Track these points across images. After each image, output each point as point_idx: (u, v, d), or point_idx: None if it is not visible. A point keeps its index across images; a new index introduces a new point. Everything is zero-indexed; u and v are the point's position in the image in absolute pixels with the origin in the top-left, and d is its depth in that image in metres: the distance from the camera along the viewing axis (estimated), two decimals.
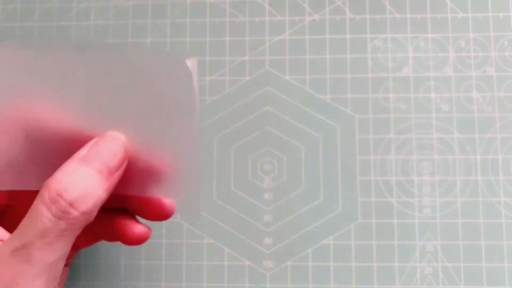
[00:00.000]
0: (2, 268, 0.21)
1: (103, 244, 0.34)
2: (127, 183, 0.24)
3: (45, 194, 0.22)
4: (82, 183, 0.22)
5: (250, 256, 0.34)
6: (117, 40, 0.36)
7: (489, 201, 0.33)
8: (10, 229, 0.23)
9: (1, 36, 0.37)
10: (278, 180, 0.34)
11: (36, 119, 0.24)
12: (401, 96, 0.35)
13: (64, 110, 0.24)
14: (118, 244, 0.33)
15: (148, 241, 0.32)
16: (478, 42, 0.35)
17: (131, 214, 0.27)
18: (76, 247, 0.27)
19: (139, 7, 0.37)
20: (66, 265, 0.26)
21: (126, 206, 0.27)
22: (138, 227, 0.26)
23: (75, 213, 0.22)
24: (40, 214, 0.21)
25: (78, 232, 0.22)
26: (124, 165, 0.24)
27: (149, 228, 0.27)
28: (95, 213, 0.23)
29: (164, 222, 0.34)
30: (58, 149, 0.24)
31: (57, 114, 0.24)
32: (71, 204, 0.21)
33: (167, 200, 0.26)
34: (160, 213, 0.26)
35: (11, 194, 0.27)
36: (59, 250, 0.22)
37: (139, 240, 0.26)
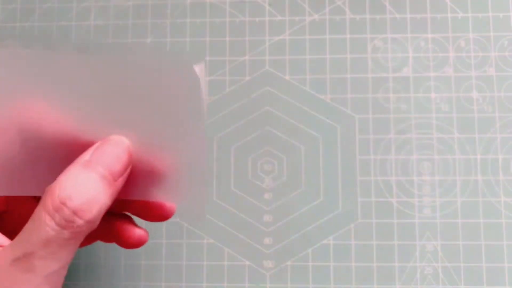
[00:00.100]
0: (2, 278, 0.21)
1: (103, 244, 0.34)
2: (130, 187, 0.24)
3: (48, 201, 0.21)
4: (86, 190, 0.21)
5: (250, 256, 0.34)
6: (117, 40, 0.36)
7: (489, 201, 0.33)
8: (7, 234, 0.23)
9: (1, 36, 0.37)
10: (278, 180, 0.34)
11: (33, 122, 0.23)
12: (401, 96, 0.35)
13: (63, 113, 0.23)
14: None
15: (148, 241, 0.32)
16: (478, 42, 0.35)
17: (128, 216, 0.27)
18: None
19: (139, 7, 0.37)
20: None
21: (125, 207, 0.27)
22: (136, 231, 0.26)
23: (79, 221, 0.21)
24: (43, 223, 0.20)
25: (81, 240, 0.22)
26: (128, 170, 0.23)
27: (147, 232, 0.26)
28: (99, 220, 0.22)
29: (164, 222, 0.34)
30: (58, 153, 0.23)
31: (55, 117, 0.23)
32: (75, 213, 0.21)
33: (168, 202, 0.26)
34: (160, 214, 0.26)
35: (8, 199, 0.26)
36: (62, 259, 0.21)
37: (136, 244, 0.26)
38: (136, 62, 0.23)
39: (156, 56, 0.24)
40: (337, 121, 0.35)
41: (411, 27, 0.36)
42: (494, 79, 0.35)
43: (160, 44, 0.36)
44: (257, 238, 0.34)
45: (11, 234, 0.22)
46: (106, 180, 0.22)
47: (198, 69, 0.23)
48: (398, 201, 0.34)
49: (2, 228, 0.25)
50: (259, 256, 0.34)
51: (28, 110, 0.23)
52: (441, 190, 0.34)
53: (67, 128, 0.23)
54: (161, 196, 0.24)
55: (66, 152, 0.23)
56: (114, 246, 0.34)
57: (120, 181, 0.23)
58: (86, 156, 0.22)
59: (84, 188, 0.21)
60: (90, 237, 0.27)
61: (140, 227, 0.26)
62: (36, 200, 0.26)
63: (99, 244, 0.34)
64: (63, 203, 0.21)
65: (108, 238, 0.27)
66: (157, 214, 0.26)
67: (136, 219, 0.27)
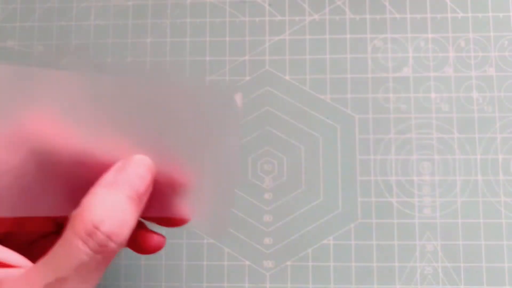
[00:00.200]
0: None
1: None
2: (151, 204, 0.23)
3: (79, 226, 0.20)
4: (117, 212, 0.21)
5: (250, 256, 0.34)
6: (117, 40, 0.36)
7: (489, 201, 0.33)
8: (19, 250, 0.23)
9: (1, 36, 0.37)
10: (278, 180, 0.34)
11: (48, 140, 0.22)
12: (401, 96, 0.35)
13: (81, 132, 0.22)
14: None
15: None
16: (478, 42, 0.35)
17: (141, 221, 0.26)
18: None
19: (139, 7, 0.37)
20: None
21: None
22: (154, 236, 0.26)
23: (113, 245, 0.20)
24: (76, 248, 0.20)
25: (111, 260, 0.21)
26: (150, 188, 0.23)
27: (164, 237, 0.26)
28: (127, 241, 0.22)
29: None
30: (75, 172, 0.22)
31: (72, 136, 0.22)
32: (109, 237, 0.20)
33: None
34: (176, 222, 0.26)
35: (17, 218, 0.25)
36: (93, 280, 0.21)
37: (154, 250, 0.26)
38: (163, 83, 0.23)
39: (184, 78, 0.24)
40: (337, 121, 0.35)
41: (411, 27, 0.36)
42: (494, 79, 0.35)
43: (160, 44, 0.36)
44: (257, 238, 0.34)
45: (23, 251, 0.22)
46: (133, 201, 0.22)
47: (238, 98, 0.23)
48: (398, 201, 0.34)
49: (13, 245, 0.24)
50: (259, 256, 0.34)
51: (41, 128, 0.22)
52: (441, 190, 0.34)
53: (85, 147, 0.22)
54: (182, 213, 0.24)
55: (83, 172, 0.22)
56: None
57: (144, 200, 0.22)
58: (110, 177, 0.22)
59: (115, 211, 0.21)
60: None
61: (157, 232, 0.26)
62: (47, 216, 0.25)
63: None
64: (97, 228, 0.20)
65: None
66: (174, 221, 0.26)
67: None
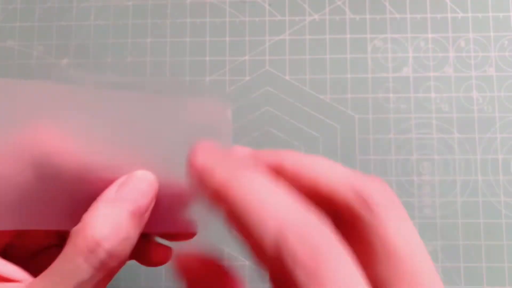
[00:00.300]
0: None
1: None
2: (155, 220, 0.23)
3: (81, 242, 0.20)
4: (119, 229, 0.20)
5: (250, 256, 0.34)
6: (117, 40, 0.36)
7: (489, 201, 0.33)
8: (18, 263, 0.22)
9: (1, 36, 0.37)
10: None
11: (49, 153, 0.22)
12: (401, 96, 0.35)
13: (83, 146, 0.22)
14: None
15: None
16: (478, 42, 0.35)
17: (149, 234, 0.26)
18: None
19: (139, 7, 0.37)
20: None
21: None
22: (161, 250, 0.25)
23: (114, 263, 0.20)
24: (76, 265, 0.19)
25: (112, 278, 0.21)
26: (152, 204, 0.22)
27: (171, 249, 0.25)
28: (128, 257, 0.21)
29: None
30: (77, 187, 0.22)
31: (75, 150, 0.22)
32: (111, 254, 0.20)
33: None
34: (182, 236, 0.25)
35: (18, 231, 0.25)
36: None
37: (161, 263, 0.25)
38: (162, 99, 0.23)
39: (181, 92, 0.24)
40: (337, 121, 0.35)
41: (411, 27, 0.36)
42: (494, 79, 0.35)
43: (160, 44, 0.36)
44: None
45: (24, 264, 0.22)
46: (135, 217, 0.21)
47: (228, 109, 0.23)
48: None
49: (14, 257, 0.24)
50: None
51: (44, 142, 0.22)
52: (441, 190, 0.34)
53: (87, 161, 0.22)
54: (187, 227, 0.24)
55: (85, 187, 0.22)
56: None
57: (146, 216, 0.22)
58: (111, 192, 0.21)
59: (117, 227, 0.20)
60: None
61: (164, 245, 0.25)
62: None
63: None
64: (99, 245, 0.20)
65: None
66: (180, 237, 0.25)
67: None
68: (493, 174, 0.34)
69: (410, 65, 0.35)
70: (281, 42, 0.36)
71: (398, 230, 0.18)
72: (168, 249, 0.25)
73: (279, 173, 0.20)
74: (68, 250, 0.20)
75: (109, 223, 0.20)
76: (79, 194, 0.22)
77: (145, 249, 0.25)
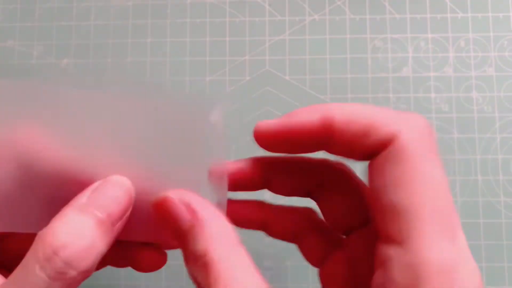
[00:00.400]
0: None
1: None
2: (134, 228, 0.22)
3: (39, 249, 0.19)
4: (82, 237, 0.19)
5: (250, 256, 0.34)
6: (117, 40, 0.36)
7: (489, 201, 0.33)
8: (5, 268, 0.22)
9: (1, 36, 0.37)
10: None
11: (31, 155, 0.21)
12: (401, 96, 0.35)
13: (64, 148, 0.21)
14: None
15: None
16: (478, 42, 0.35)
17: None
18: None
19: (139, 7, 0.37)
20: None
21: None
22: (153, 256, 0.24)
23: (72, 273, 0.19)
24: (32, 274, 0.18)
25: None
26: (128, 213, 0.21)
27: (165, 254, 0.24)
28: (94, 268, 0.20)
29: None
30: (56, 190, 0.21)
31: (55, 151, 0.21)
32: (68, 264, 0.19)
33: None
34: (168, 245, 0.24)
35: (4, 233, 0.24)
36: None
37: (154, 269, 0.24)
38: (148, 103, 0.22)
39: (168, 96, 0.23)
40: None
41: (411, 27, 0.36)
42: (494, 79, 0.35)
43: (160, 44, 0.36)
44: (257, 238, 0.34)
45: (7, 268, 0.21)
46: (104, 226, 0.20)
47: (218, 113, 0.22)
48: None
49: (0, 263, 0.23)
50: (259, 256, 0.34)
51: (25, 143, 0.21)
52: None
53: (67, 164, 0.21)
54: (168, 236, 0.22)
55: (64, 190, 0.21)
56: None
57: (119, 226, 0.21)
58: (83, 198, 0.20)
59: (80, 235, 0.19)
60: (100, 264, 0.25)
61: (158, 249, 0.24)
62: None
63: None
64: (55, 253, 0.18)
65: (120, 263, 0.24)
66: (166, 245, 0.24)
67: None
68: (493, 174, 0.34)
69: (410, 65, 0.35)
70: (281, 42, 0.36)
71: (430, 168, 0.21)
72: (163, 254, 0.24)
73: (330, 125, 0.21)
74: (28, 256, 0.19)
75: (71, 230, 0.19)
76: (60, 197, 0.21)
77: (136, 254, 0.24)
